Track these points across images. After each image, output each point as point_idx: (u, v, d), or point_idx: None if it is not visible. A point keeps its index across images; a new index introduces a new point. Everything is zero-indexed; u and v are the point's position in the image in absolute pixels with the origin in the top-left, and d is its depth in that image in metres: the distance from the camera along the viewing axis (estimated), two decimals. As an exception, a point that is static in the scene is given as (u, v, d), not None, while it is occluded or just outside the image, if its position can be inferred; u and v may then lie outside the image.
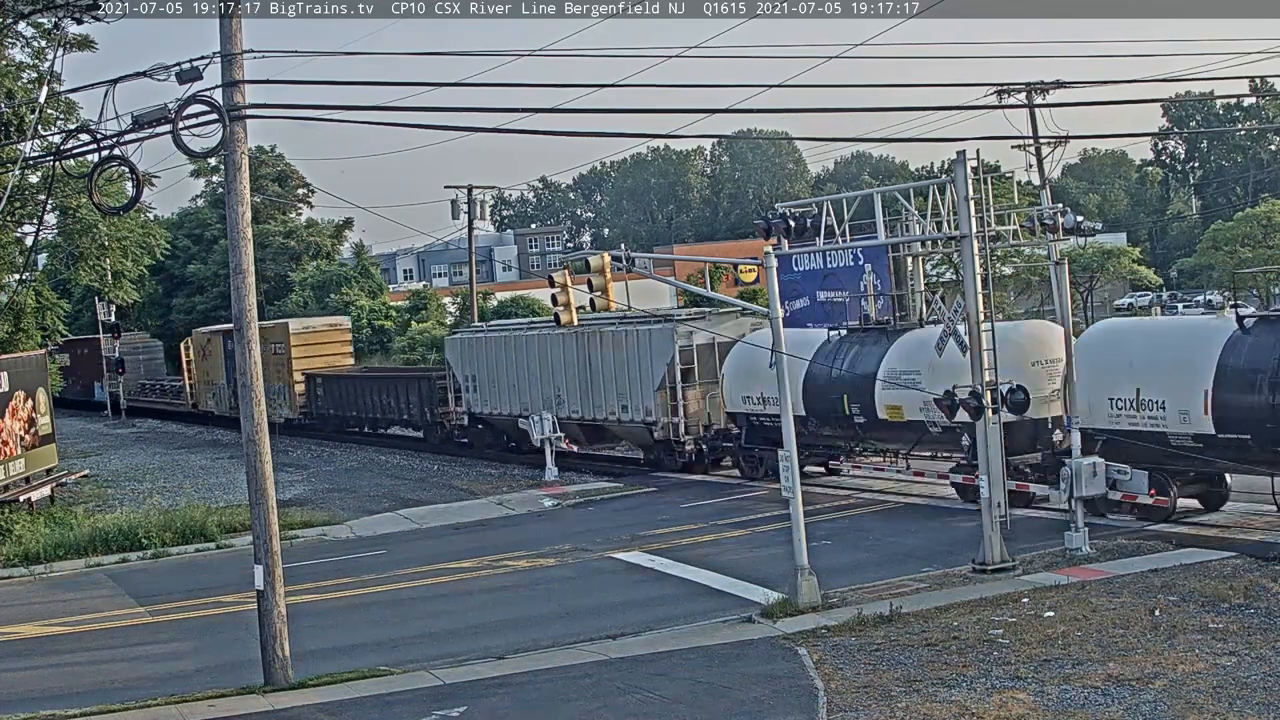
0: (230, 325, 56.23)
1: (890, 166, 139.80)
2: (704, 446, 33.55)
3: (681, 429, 33.31)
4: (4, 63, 34.15)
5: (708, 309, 37.76)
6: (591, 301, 21.32)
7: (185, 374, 61.76)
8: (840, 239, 24.91)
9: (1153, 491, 22.36)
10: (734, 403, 31.60)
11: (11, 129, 29.83)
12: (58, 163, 19.67)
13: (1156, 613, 17.08)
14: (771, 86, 27.22)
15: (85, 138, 17.63)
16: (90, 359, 70.64)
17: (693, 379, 33.24)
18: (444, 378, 42.47)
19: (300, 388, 50.07)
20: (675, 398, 32.96)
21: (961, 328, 21.01)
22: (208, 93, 16.22)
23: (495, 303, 67.04)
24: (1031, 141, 43.40)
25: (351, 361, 52.45)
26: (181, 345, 62.35)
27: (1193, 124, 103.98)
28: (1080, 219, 24.28)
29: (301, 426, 50.83)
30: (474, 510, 31.14)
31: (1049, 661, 15.35)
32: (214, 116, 16.21)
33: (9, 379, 32.30)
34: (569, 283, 21.63)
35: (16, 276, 37.41)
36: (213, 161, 31.27)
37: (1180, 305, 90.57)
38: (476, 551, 25.73)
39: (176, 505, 32.82)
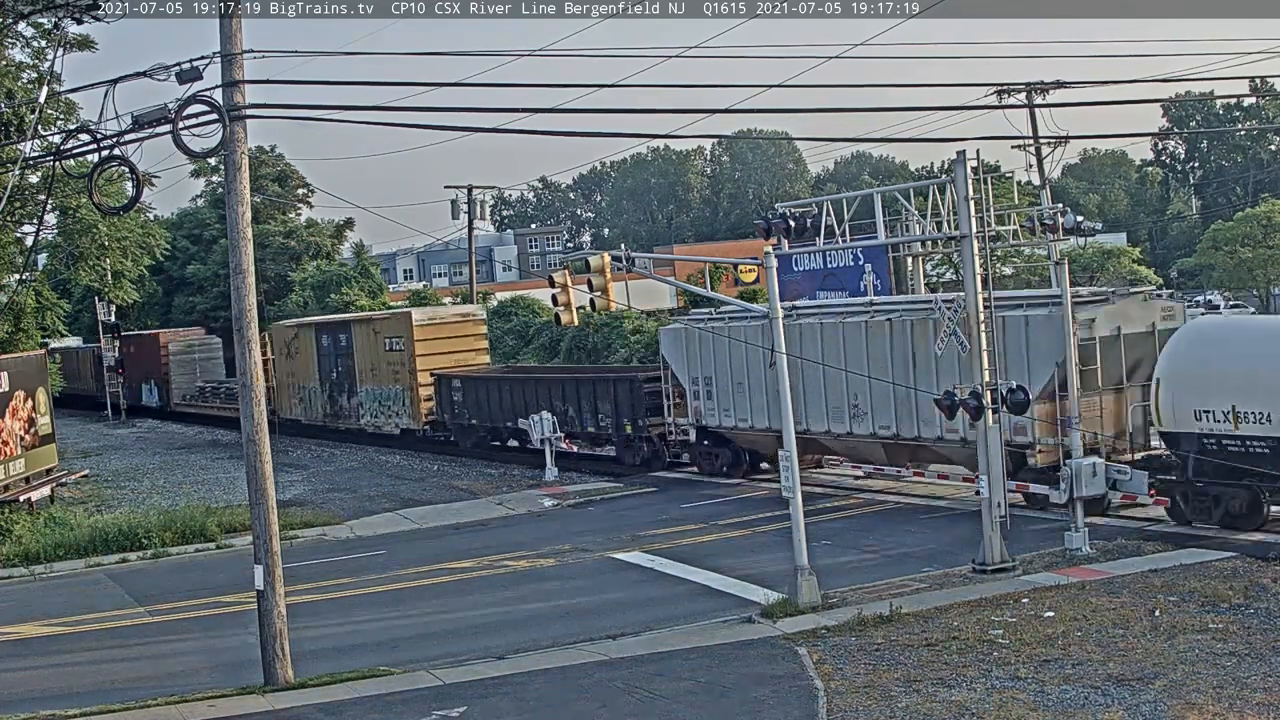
0: (326, 317, 46.28)
1: (890, 166, 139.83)
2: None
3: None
4: (4, 63, 34.15)
5: (1111, 289, 28.00)
6: (591, 302, 21.33)
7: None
8: (840, 239, 24.93)
9: (1153, 492, 22.33)
10: (1177, 418, 22.53)
11: (11, 129, 29.84)
12: (58, 163, 19.67)
13: (1156, 613, 17.08)
14: (771, 86, 27.25)
15: (85, 138, 17.64)
16: (143, 356, 65.15)
17: (1095, 383, 23.93)
18: (656, 379, 33.79)
19: (427, 391, 41.76)
20: (1067, 409, 22.89)
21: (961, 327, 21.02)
22: (208, 93, 16.24)
23: (495, 303, 67.01)
24: (1031, 141, 43.43)
25: (487, 359, 44.20)
26: None
27: (1193, 124, 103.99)
28: (1080, 219, 24.27)
29: (427, 440, 43.22)
30: (474, 510, 31.14)
31: (1049, 661, 15.36)
32: (214, 116, 16.21)
33: (9, 379, 32.30)
34: (569, 283, 21.63)
35: (16, 276, 37.42)
36: (213, 161, 31.28)
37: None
38: (476, 551, 25.73)
39: (176, 505, 32.82)
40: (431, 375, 41.42)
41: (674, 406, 32.95)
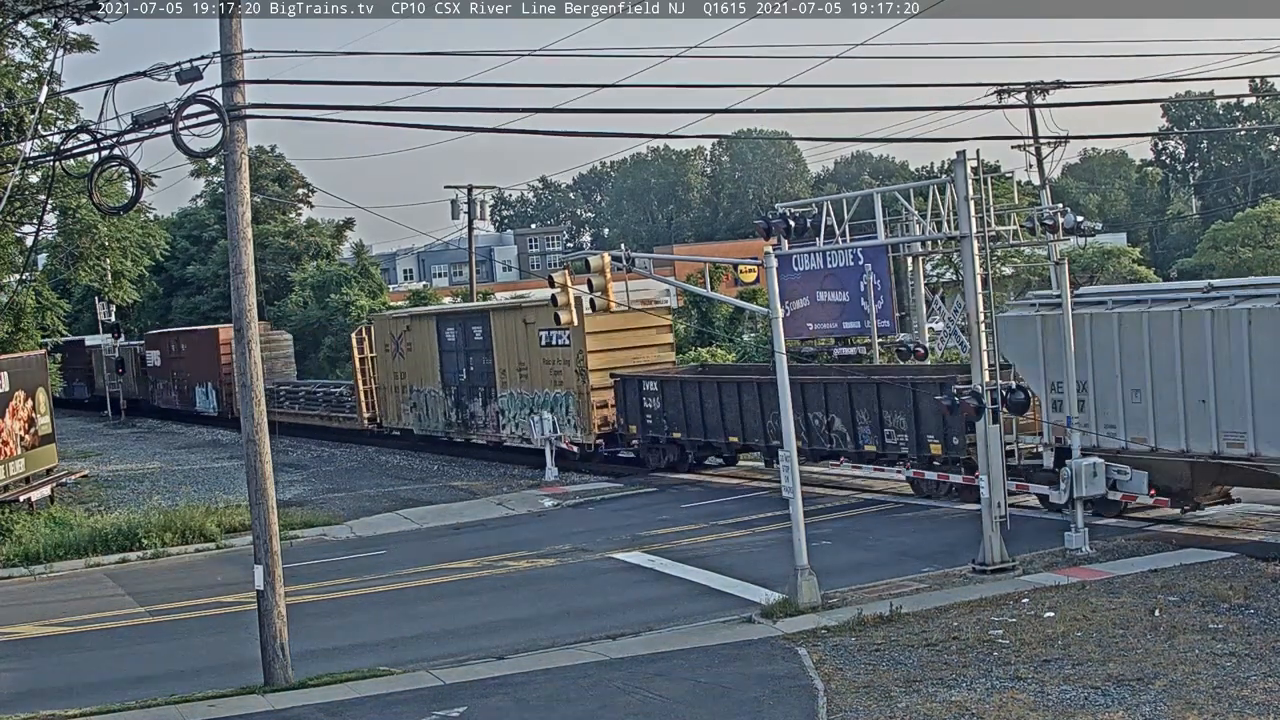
0: (452, 305, 41.93)
1: (890, 166, 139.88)
2: None
3: None
4: (4, 63, 34.18)
5: None
6: (591, 302, 21.32)
7: (357, 377, 44.62)
8: (840, 239, 24.98)
9: (1153, 492, 22.33)
10: None
11: (11, 129, 29.85)
12: (58, 163, 19.68)
13: (1156, 613, 17.08)
14: (771, 86, 27.23)
15: (85, 138, 17.65)
16: (196, 356, 58.31)
17: None
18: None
19: (601, 397, 34.33)
20: None
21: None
22: (208, 93, 16.24)
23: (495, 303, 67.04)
24: (1031, 141, 43.45)
25: (673, 358, 36.54)
26: (352, 337, 45.38)
27: (1193, 124, 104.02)
28: (1080, 219, 24.31)
29: (600, 458, 35.48)
30: (474, 510, 31.14)
31: (1049, 661, 15.36)
32: (214, 116, 16.22)
33: (9, 379, 32.31)
34: (569, 283, 21.65)
35: (16, 276, 37.44)
36: (213, 161, 31.38)
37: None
38: (476, 552, 25.73)
39: (176, 505, 32.81)
40: (612, 376, 33.92)
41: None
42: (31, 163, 26.44)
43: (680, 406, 32.02)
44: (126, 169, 17.77)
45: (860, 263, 38.67)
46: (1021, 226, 24.88)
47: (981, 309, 20.59)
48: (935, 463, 25.97)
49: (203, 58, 16.17)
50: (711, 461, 33.81)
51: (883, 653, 16.28)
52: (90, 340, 72.00)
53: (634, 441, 33.88)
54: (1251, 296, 20.61)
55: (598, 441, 34.51)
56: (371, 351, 44.33)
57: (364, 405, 44.46)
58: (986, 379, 20.44)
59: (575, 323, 22.21)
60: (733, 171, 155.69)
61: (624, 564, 23.59)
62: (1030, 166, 44.45)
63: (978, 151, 29.64)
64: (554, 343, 35.07)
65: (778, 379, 19.83)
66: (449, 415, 40.42)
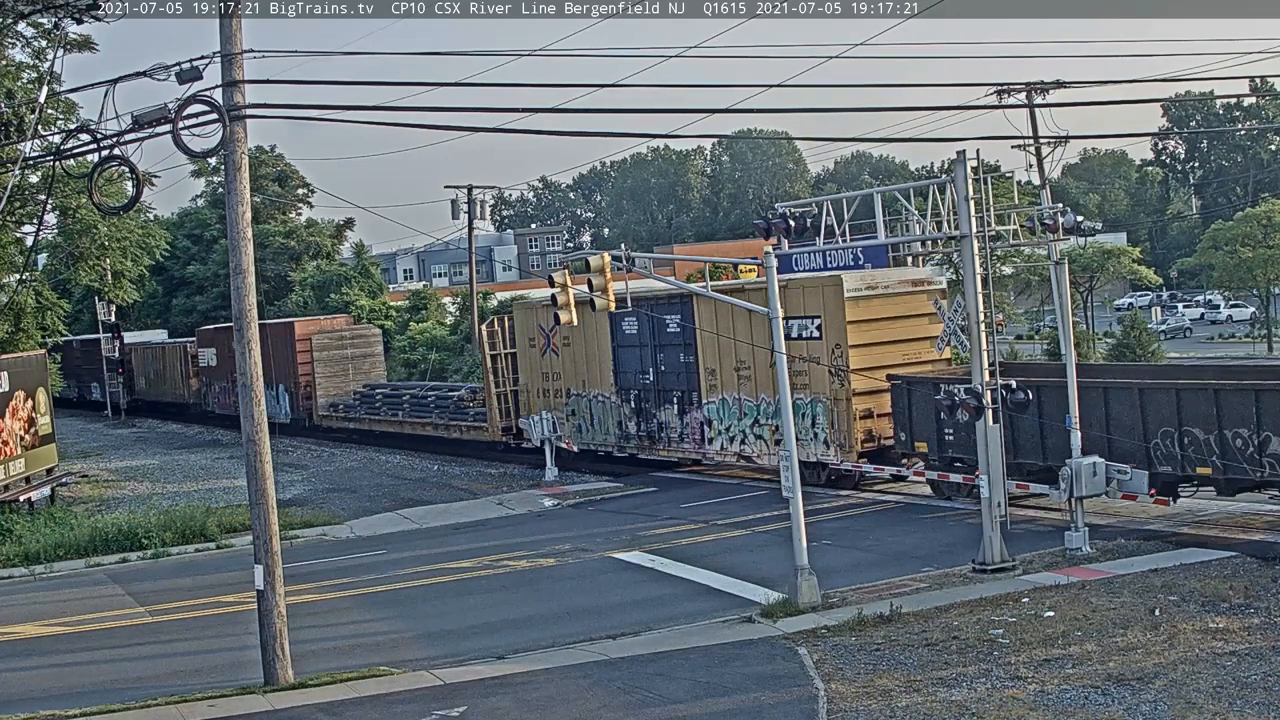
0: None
1: (890, 166, 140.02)
2: None
3: None
4: (4, 63, 34.19)
5: None
6: (591, 302, 21.28)
7: (488, 378, 37.72)
8: (840, 239, 24.94)
9: (1152, 492, 22.32)
10: None
11: (11, 129, 29.83)
12: (58, 163, 19.69)
13: (1156, 613, 17.08)
14: (771, 86, 27.25)
15: (85, 138, 17.66)
16: (266, 354, 56.01)
17: None
18: None
19: (867, 403, 27.38)
20: None
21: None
22: (208, 93, 16.25)
23: (495, 303, 67.01)
24: (1031, 141, 43.45)
25: (948, 353, 28.15)
26: (483, 330, 38.72)
27: (1193, 124, 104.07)
28: (1080, 219, 24.24)
29: (857, 482, 28.66)
30: (474, 510, 31.14)
31: (1049, 661, 15.35)
32: (214, 116, 16.22)
33: (9, 379, 32.32)
34: (569, 283, 21.62)
35: (16, 276, 37.45)
36: (213, 161, 31.43)
37: (1180, 305, 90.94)
38: (476, 551, 25.73)
39: (176, 505, 32.83)
40: (890, 379, 26.66)
41: None
42: (31, 163, 26.45)
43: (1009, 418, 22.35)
44: (126, 169, 17.78)
45: (860, 263, 38.64)
46: (1021, 226, 24.82)
47: (981, 309, 20.58)
48: None
49: (203, 58, 16.17)
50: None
51: (883, 653, 16.28)
52: (131, 338, 68.47)
53: (917, 462, 26.67)
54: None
55: (860, 461, 27.52)
56: (507, 346, 37.55)
57: (497, 412, 37.48)
58: (986, 379, 20.43)
59: (575, 322, 22.12)
60: (733, 171, 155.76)
61: (624, 564, 23.58)
62: (1030, 166, 44.48)
63: (978, 151, 29.62)
64: (796, 335, 27.77)
65: (778, 379, 19.81)
66: (625, 426, 33.29)
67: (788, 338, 25.63)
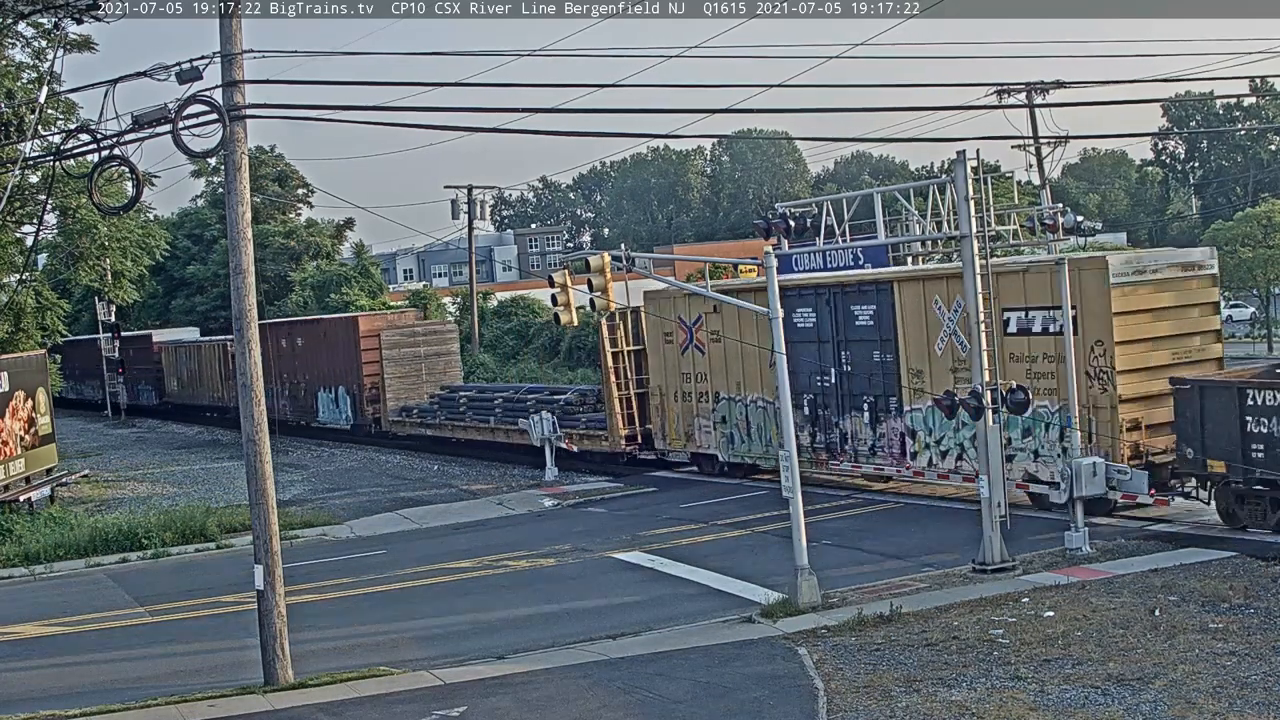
0: (795, 277, 25.98)
1: (890, 166, 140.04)
2: None
3: None
4: (4, 63, 34.20)
5: None
6: (591, 302, 21.31)
7: (609, 379, 33.28)
8: (840, 239, 24.94)
9: (1152, 492, 22.32)
10: None
11: (11, 129, 29.86)
12: (58, 163, 19.70)
13: (1156, 613, 17.08)
14: (771, 86, 27.28)
15: (85, 138, 17.68)
16: (322, 353, 46.34)
17: None
18: None
19: (1134, 412, 22.94)
20: None
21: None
22: (208, 93, 16.26)
23: (495, 303, 67.05)
24: (1031, 141, 43.51)
25: (1220, 351, 24.36)
26: (602, 324, 33.61)
27: (1193, 124, 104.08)
28: (1080, 219, 24.27)
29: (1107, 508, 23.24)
30: (474, 510, 31.14)
31: (1049, 661, 15.36)
32: (214, 116, 16.22)
33: (9, 379, 32.33)
34: (569, 283, 21.63)
35: (16, 276, 37.47)
36: (213, 161, 31.43)
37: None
38: (476, 551, 25.73)
39: (176, 505, 32.83)
40: (1172, 383, 22.24)
41: None
42: (31, 163, 26.46)
43: None
44: (126, 169, 17.79)
45: (860, 263, 38.61)
46: (1021, 226, 24.84)
47: (981, 309, 20.58)
48: None
49: (203, 58, 16.18)
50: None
51: (883, 653, 16.28)
52: (160, 336, 64.26)
53: (1209, 484, 22.02)
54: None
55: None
56: (630, 343, 33.13)
57: (620, 419, 32.88)
58: (986, 379, 20.43)
59: (575, 323, 22.12)
60: (733, 171, 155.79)
61: (624, 564, 23.59)
62: (1030, 166, 44.59)
63: (978, 151, 29.63)
64: (1039, 329, 23.65)
65: (778, 379, 19.82)
66: (797, 436, 24.92)
67: (1022, 332, 23.81)
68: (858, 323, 27.29)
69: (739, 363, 29.99)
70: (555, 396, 37.23)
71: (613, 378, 33.13)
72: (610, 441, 33.37)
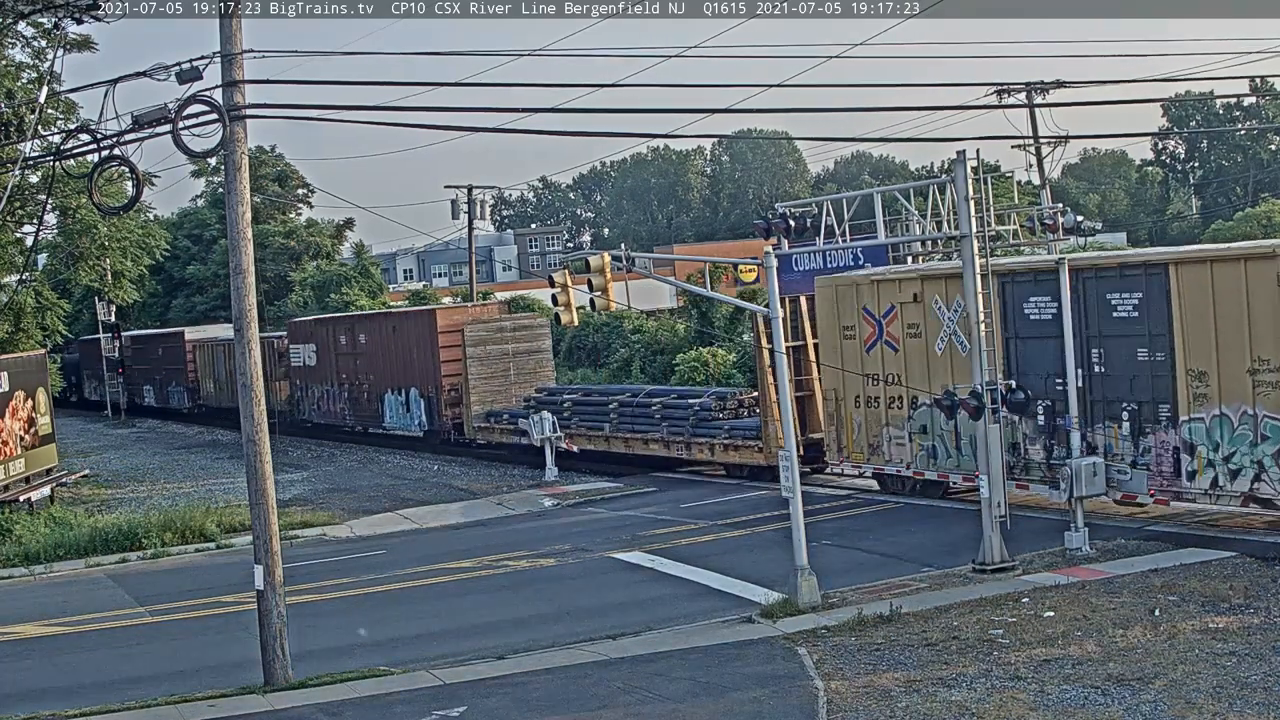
0: (1024, 260, 23.21)
1: (890, 166, 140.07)
2: None
3: None
4: (4, 63, 34.20)
5: None
6: (591, 302, 21.31)
7: (765, 382, 28.60)
8: (840, 239, 24.94)
9: (1151, 492, 22.32)
10: None
11: (11, 129, 29.88)
12: (58, 163, 19.70)
13: (1156, 613, 17.08)
14: (771, 86, 27.28)
15: (85, 138, 17.67)
16: (394, 350, 41.80)
17: None
18: None
19: None
20: None
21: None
22: (208, 93, 16.25)
23: (495, 303, 66.98)
24: (1031, 141, 43.52)
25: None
26: (758, 319, 28.38)
27: (1193, 124, 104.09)
28: (1080, 219, 24.29)
29: None
30: (474, 510, 31.14)
31: (1049, 661, 15.35)
32: (214, 116, 16.22)
33: (9, 379, 32.33)
34: (569, 283, 21.63)
35: (16, 276, 37.47)
36: (213, 161, 31.42)
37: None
38: (476, 551, 25.73)
39: (176, 505, 32.83)
40: None
41: None
42: (31, 163, 26.45)
43: None
44: (126, 169, 17.79)
45: (860, 263, 38.61)
46: (1021, 226, 24.86)
47: (981, 309, 20.58)
48: None
49: (203, 58, 16.18)
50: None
51: (883, 653, 16.28)
52: (194, 334, 59.00)
53: None
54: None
55: None
56: (789, 338, 27.47)
57: (799, 426, 27.92)
58: (986, 379, 20.43)
59: (575, 323, 22.10)
60: (733, 171, 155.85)
61: (624, 564, 23.58)
62: (1030, 166, 44.59)
63: (978, 151, 29.63)
64: None
65: (778, 379, 19.81)
66: (1024, 451, 24.11)
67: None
68: (1115, 315, 22.66)
69: (950, 361, 25.02)
70: (689, 400, 32.41)
71: (769, 380, 27.69)
72: (765, 453, 28.96)
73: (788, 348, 26.52)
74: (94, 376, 70.60)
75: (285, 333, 50.53)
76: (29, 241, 38.20)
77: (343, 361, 45.17)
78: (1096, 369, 23.05)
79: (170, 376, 60.22)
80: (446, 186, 56.60)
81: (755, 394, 30.93)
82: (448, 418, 39.74)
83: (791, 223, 22.19)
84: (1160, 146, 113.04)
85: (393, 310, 48.75)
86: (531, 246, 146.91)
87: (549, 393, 37.74)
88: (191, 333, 59.57)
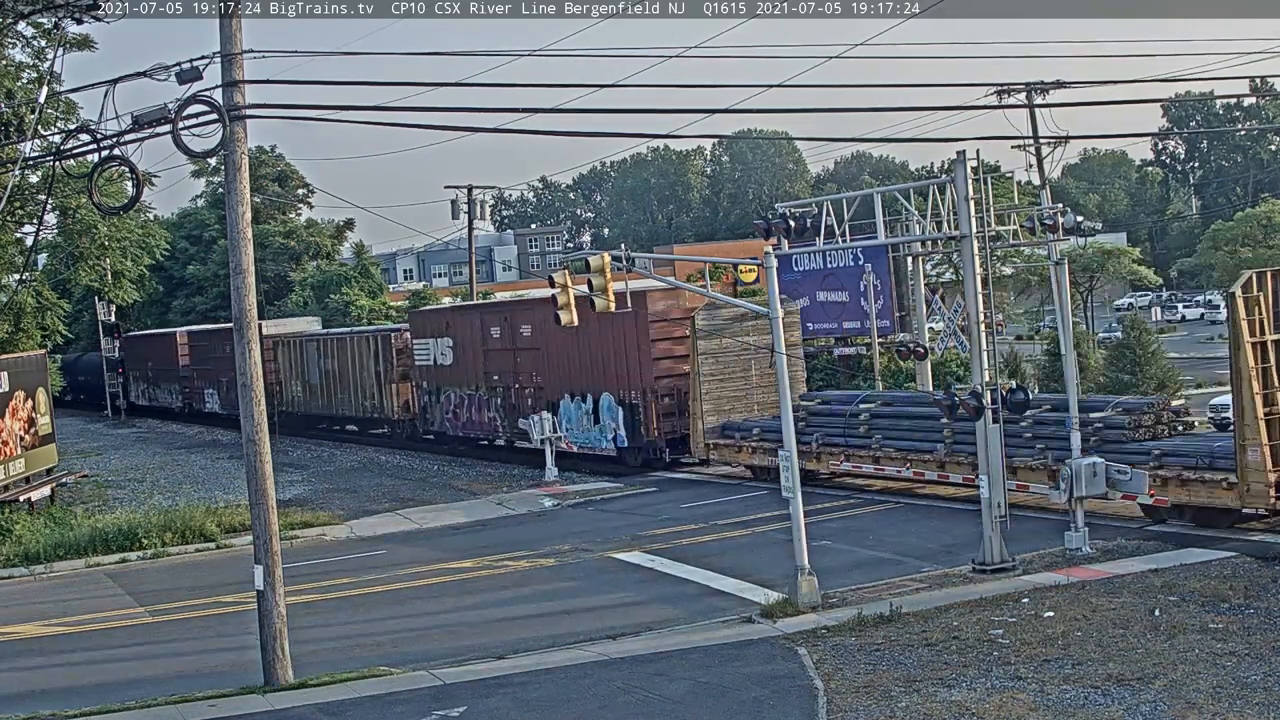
0: None
1: (890, 166, 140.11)
2: None
3: None
4: (4, 63, 34.18)
5: None
6: (591, 301, 21.27)
7: (1249, 385, 20.54)
8: (840, 239, 24.89)
9: (1151, 492, 22.31)
10: None
11: (11, 129, 29.87)
12: (58, 163, 19.71)
13: (1156, 613, 17.08)
14: (771, 86, 27.27)
15: (85, 138, 17.66)
16: (574, 346, 33.58)
17: None
18: None
19: None
20: None
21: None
22: (208, 93, 16.25)
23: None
24: (1031, 141, 43.46)
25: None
26: (1237, 297, 20.92)
27: (1193, 124, 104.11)
28: (1080, 219, 24.25)
29: None
30: (474, 510, 31.14)
31: (1049, 661, 15.35)
32: (214, 116, 16.22)
33: (9, 379, 32.32)
34: (569, 283, 21.63)
35: (16, 276, 37.45)
36: (213, 162, 31.44)
37: (1180, 305, 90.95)
38: (476, 551, 25.73)
39: (176, 505, 32.82)
40: None
41: None
42: (31, 163, 26.46)
43: None
44: (126, 169, 17.78)
45: (860, 263, 38.67)
46: (1021, 226, 24.82)
47: (981, 309, 20.58)
48: None
49: (203, 58, 16.18)
50: (712, 459, 31.37)
51: (883, 653, 16.28)
52: (274, 328, 50.81)
53: None
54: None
55: None
56: (1274, 329, 20.94)
57: (1265, 455, 20.38)
58: (986, 379, 20.43)
59: (575, 322, 22.07)
60: (733, 171, 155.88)
61: (624, 564, 23.58)
62: (1030, 166, 44.52)
63: (978, 151, 29.57)
64: None
65: (778, 379, 19.81)
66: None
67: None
68: None
69: None
70: (1088, 416, 23.95)
71: (1252, 385, 20.40)
72: (1239, 491, 20.74)
73: (1274, 342, 20.99)
74: (144, 378, 64.57)
75: (406, 325, 43.24)
76: (29, 241, 38.20)
77: (495, 359, 37.41)
78: None
79: (217, 377, 53.60)
80: (446, 186, 56.63)
81: (1174, 403, 24.63)
82: (657, 432, 32.06)
83: (791, 223, 22.17)
84: (1160, 146, 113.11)
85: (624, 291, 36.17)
86: (531, 246, 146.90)
87: (824, 401, 29.81)
88: (271, 327, 50.40)
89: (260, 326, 49.18)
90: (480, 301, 41.27)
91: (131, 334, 68.05)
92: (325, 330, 51.43)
